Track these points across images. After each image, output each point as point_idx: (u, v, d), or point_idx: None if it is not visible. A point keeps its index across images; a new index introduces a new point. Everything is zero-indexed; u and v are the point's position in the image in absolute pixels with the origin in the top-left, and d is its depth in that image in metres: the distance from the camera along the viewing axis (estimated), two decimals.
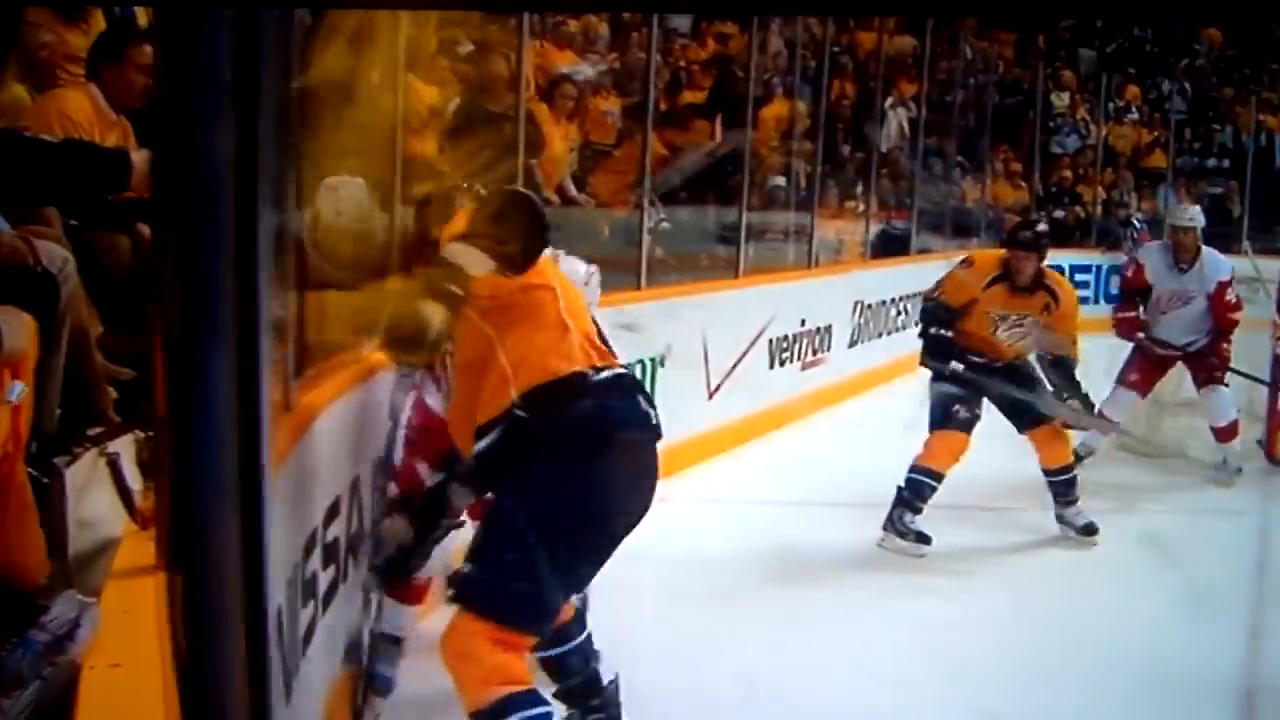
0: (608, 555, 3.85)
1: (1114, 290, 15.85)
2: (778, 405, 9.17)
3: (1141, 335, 8.53)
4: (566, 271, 4.27)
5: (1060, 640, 5.50)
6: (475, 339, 3.82)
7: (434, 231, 4.34)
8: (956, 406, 6.66)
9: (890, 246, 13.04)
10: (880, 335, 11.75)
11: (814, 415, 9.64)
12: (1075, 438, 7.61)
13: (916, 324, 7.30)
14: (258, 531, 1.17)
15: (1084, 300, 15.70)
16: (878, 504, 6.73)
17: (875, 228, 12.73)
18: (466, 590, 3.70)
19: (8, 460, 3.08)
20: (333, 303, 4.62)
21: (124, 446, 3.52)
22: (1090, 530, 6.93)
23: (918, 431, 6.79)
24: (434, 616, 4.58)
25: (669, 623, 5.23)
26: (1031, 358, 7.02)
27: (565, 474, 3.70)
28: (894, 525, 6.67)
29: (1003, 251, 6.92)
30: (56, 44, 4.99)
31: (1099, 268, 16.12)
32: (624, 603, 4.67)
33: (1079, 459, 8.25)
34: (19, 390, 3.09)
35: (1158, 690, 4.98)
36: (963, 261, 7.10)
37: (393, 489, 4.33)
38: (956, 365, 6.65)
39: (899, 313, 12.12)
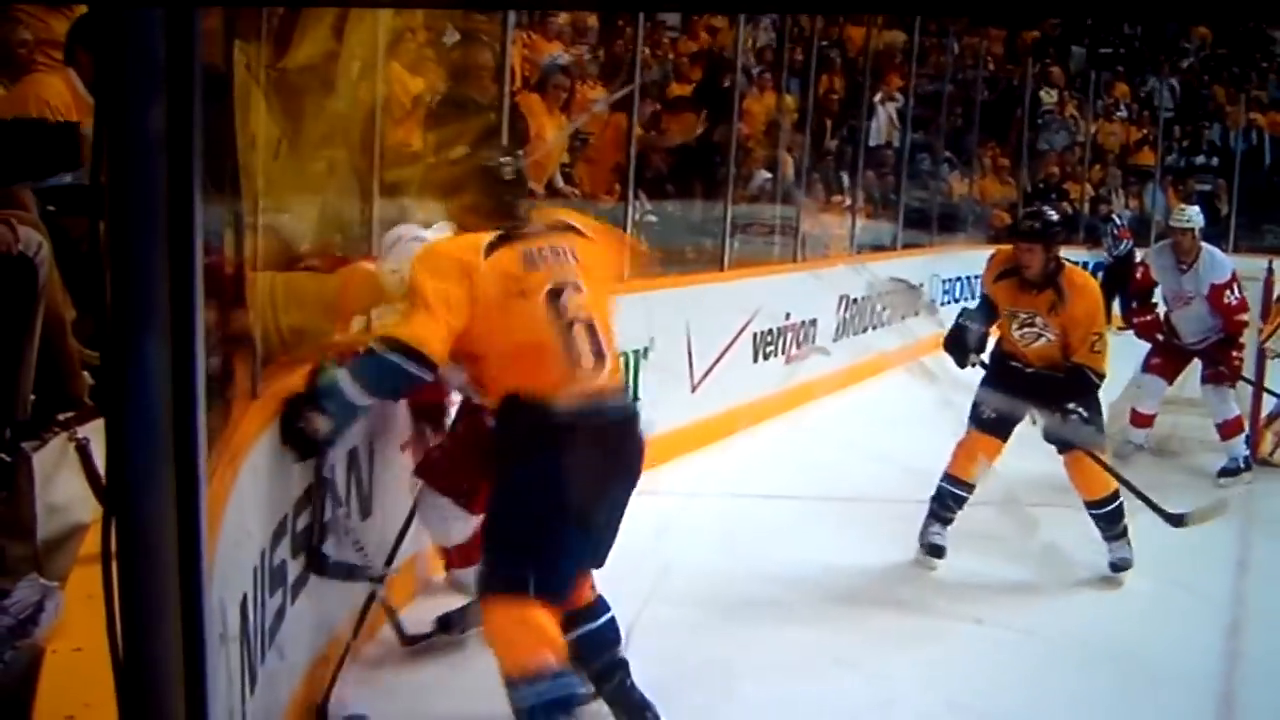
0: (612, 525, 4.06)
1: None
2: (761, 399, 9.16)
3: (1160, 337, 8.61)
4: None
5: (1038, 636, 5.52)
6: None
7: None
8: (982, 406, 6.32)
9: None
10: (866, 330, 11.75)
11: (797, 410, 9.63)
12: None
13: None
14: (193, 515, 1.16)
15: None
16: (860, 499, 6.73)
17: (861, 224, 12.73)
18: (487, 581, 3.96)
19: None
20: (305, 288, 4.62)
21: (94, 432, 3.50)
22: (1116, 567, 6.28)
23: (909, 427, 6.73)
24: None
25: (648, 615, 5.22)
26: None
27: (547, 454, 3.84)
28: (919, 537, 6.41)
29: None
30: (40, 30, 4.97)
31: (1086, 265, 16.14)
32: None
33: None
34: None
35: (1136, 685, 4.99)
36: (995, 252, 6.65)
37: None
38: (974, 359, 6.36)
39: (884, 308, 12.12)
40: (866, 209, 13.07)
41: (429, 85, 6.60)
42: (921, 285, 13.39)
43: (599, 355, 3.96)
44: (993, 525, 6.31)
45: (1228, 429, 8.47)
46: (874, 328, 11.93)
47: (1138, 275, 8.92)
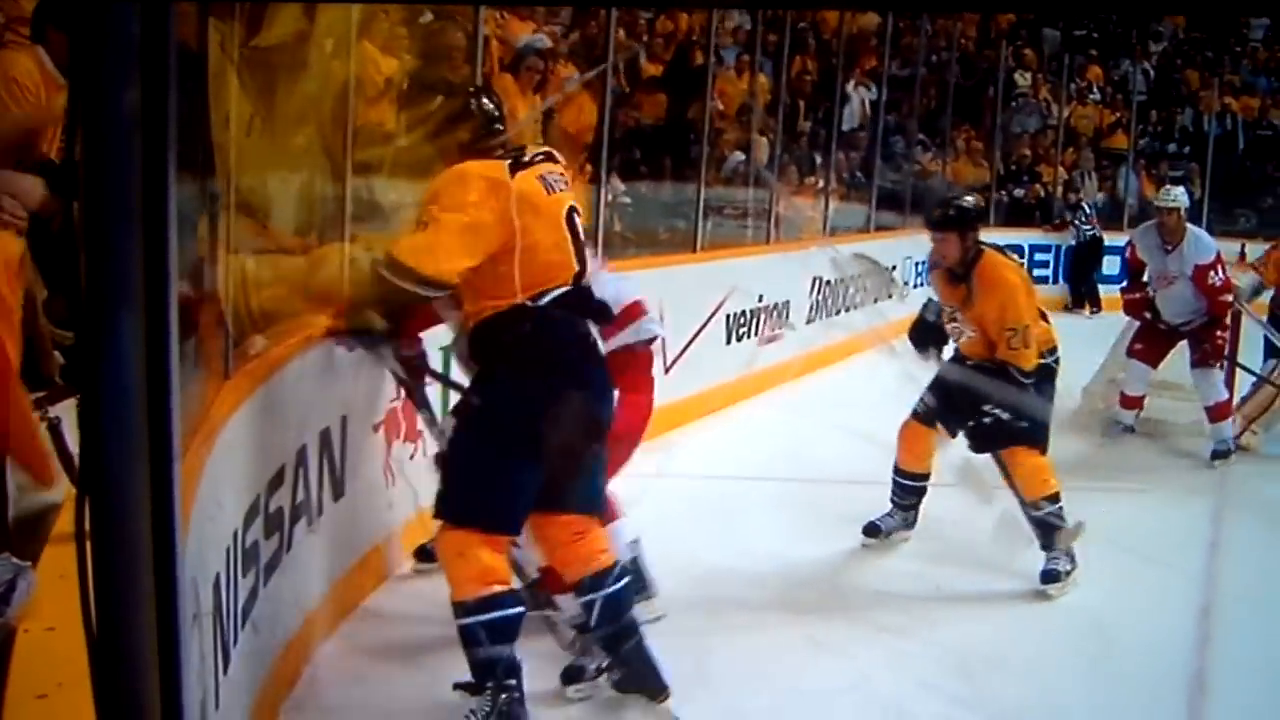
0: (580, 467, 4.29)
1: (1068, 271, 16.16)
2: (734, 381, 9.17)
3: (1148, 315, 8.62)
4: None
5: (1009, 618, 5.56)
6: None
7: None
8: (923, 396, 6.24)
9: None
10: (839, 312, 11.76)
11: (770, 391, 9.64)
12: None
13: None
14: (167, 494, 1.16)
15: (1042, 280, 15.97)
16: (832, 480, 6.75)
17: (835, 206, 12.73)
18: (442, 506, 4.22)
19: None
20: (278, 269, 4.62)
21: (66, 411, 3.50)
22: (1045, 578, 5.81)
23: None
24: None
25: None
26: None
27: (509, 388, 4.18)
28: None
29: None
30: (9, 8, 4.93)
31: (1058, 248, 16.20)
32: None
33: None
34: None
35: (1108, 667, 5.01)
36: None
37: None
38: (933, 352, 6.25)
39: (854, 291, 12.14)
40: (839, 191, 13.08)
41: (402, 65, 6.57)
42: (893, 268, 13.40)
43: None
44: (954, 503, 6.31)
45: (1217, 412, 8.48)
46: (848, 309, 11.93)
47: (1128, 254, 8.90)
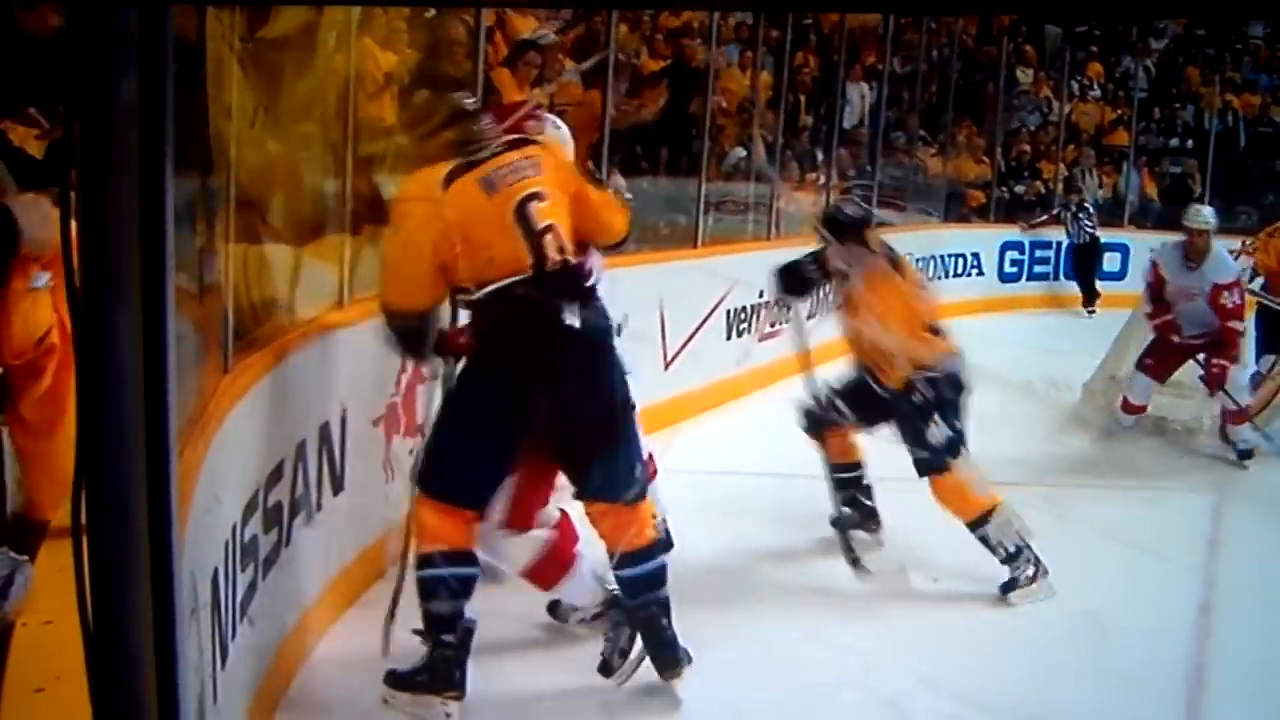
0: (554, 456, 4.61)
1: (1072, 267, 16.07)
2: (734, 377, 9.15)
3: (1176, 339, 8.60)
4: None
5: (1009, 613, 5.57)
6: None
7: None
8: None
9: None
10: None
11: (770, 387, 9.61)
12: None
13: None
14: (164, 487, 1.16)
15: (1041, 278, 15.93)
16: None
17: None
18: (413, 470, 4.56)
19: (54, 353, 3.12)
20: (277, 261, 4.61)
21: None
22: (1004, 588, 5.68)
23: None
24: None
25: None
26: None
27: (465, 374, 4.48)
28: None
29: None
30: None
31: (1059, 244, 16.14)
32: None
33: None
34: (45, 279, 3.12)
35: (1107, 663, 5.03)
36: None
37: None
38: (789, 297, 6.43)
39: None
40: (840, 186, 13.05)
41: (402, 60, 6.56)
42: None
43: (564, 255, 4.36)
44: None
45: (1233, 416, 8.54)
46: None
47: (1150, 278, 8.83)
